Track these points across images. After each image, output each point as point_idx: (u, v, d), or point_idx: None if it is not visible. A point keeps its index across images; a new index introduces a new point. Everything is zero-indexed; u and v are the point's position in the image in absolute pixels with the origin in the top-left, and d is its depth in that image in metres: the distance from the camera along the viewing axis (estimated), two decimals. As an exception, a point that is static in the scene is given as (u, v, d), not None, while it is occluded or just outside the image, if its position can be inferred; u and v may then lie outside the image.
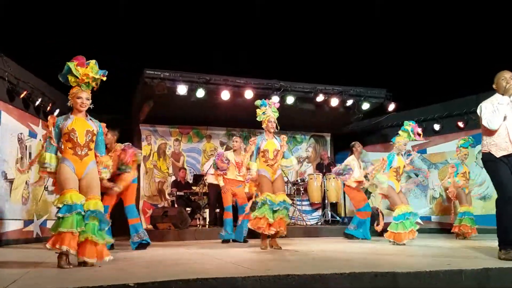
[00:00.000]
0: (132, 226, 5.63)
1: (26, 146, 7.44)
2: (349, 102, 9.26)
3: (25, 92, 7.20)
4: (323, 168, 10.29)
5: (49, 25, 10.34)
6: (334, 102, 9.08)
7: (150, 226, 8.48)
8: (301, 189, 10.11)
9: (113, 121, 9.87)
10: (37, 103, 7.57)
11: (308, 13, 12.73)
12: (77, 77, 3.74)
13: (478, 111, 4.10)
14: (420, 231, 6.67)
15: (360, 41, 12.27)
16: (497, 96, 4.05)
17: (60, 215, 3.52)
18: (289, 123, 10.30)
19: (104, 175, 3.98)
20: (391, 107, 9.44)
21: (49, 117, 3.87)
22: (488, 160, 3.98)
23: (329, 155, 11.13)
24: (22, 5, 10.19)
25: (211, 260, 4.06)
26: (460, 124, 9.32)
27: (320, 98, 9.00)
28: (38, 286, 2.66)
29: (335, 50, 12.36)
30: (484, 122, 3.96)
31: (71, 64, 3.72)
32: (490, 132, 3.96)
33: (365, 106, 9.40)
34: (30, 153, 7.54)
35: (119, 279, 2.67)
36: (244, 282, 2.65)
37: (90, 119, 3.90)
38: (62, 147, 3.81)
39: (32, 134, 7.66)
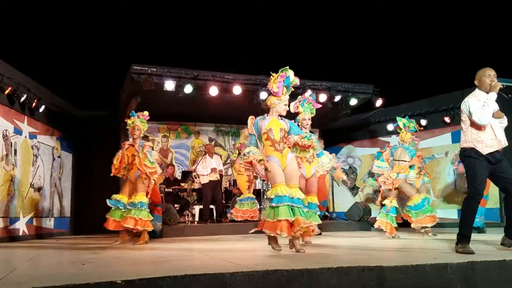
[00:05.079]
0: None
1: (11, 142, 7.33)
2: (337, 98, 9.30)
3: (10, 88, 7.08)
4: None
5: (35, 21, 10.19)
6: (322, 97, 9.10)
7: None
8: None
9: (100, 117, 9.93)
10: (22, 99, 7.45)
11: (296, 9, 12.73)
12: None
13: (463, 107, 4.12)
14: (408, 225, 6.76)
15: (347, 37, 12.31)
16: (480, 92, 4.09)
17: (273, 204, 4.04)
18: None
19: None
20: (379, 102, 9.50)
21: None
22: (470, 156, 3.98)
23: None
24: (6, 0, 10.01)
25: (200, 256, 4.06)
26: (447, 119, 9.42)
27: (308, 93, 8.98)
28: (25, 284, 2.63)
29: (323, 46, 12.40)
30: (475, 118, 3.94)
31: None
32: (478, 128, 3.98)
33: (353, 101, 9.44)
34: (15, 150, 7.44)
35: (106, 276, 2.65)
36: (233, 277, 2.65)
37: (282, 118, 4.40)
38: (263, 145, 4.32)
39: (17, 131, 7.55)
